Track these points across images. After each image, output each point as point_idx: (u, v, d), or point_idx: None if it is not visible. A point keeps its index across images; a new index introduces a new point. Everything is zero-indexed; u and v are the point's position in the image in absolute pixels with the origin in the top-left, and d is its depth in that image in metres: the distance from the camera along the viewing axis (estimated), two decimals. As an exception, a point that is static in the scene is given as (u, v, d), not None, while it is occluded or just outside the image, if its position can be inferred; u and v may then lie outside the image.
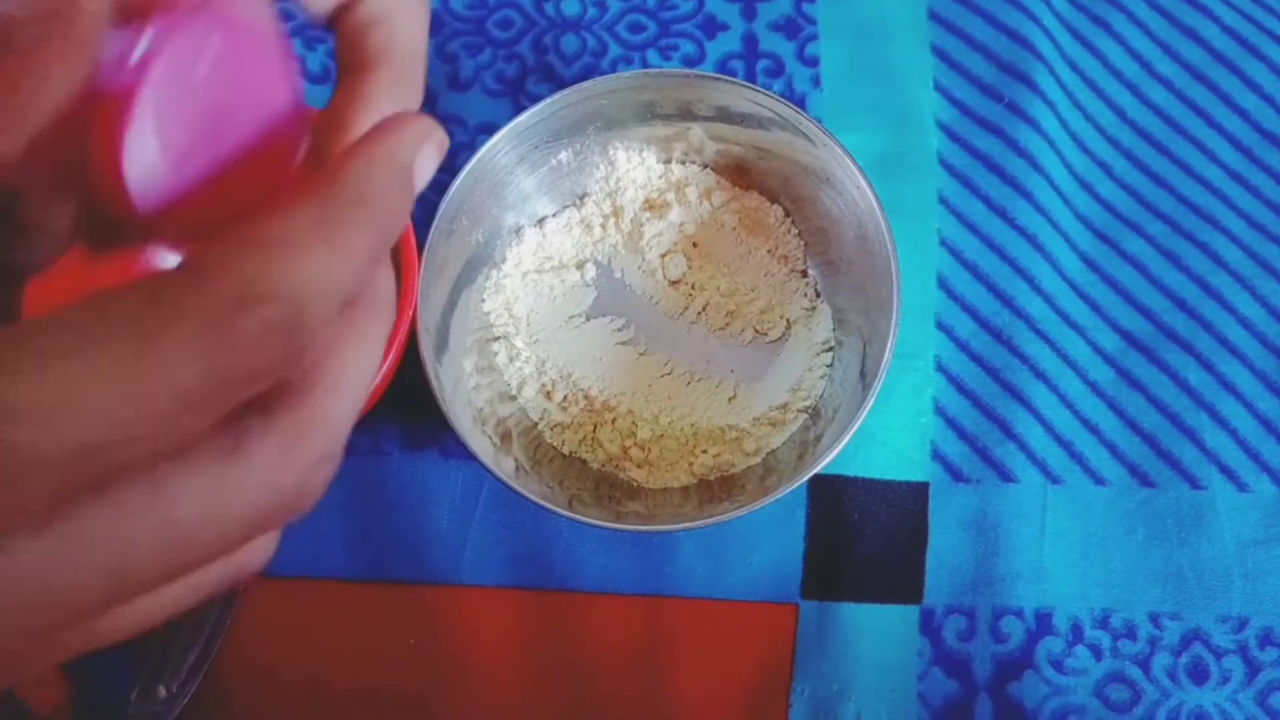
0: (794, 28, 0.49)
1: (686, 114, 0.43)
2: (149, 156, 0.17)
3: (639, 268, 0.45)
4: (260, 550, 0.19)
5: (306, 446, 0.17)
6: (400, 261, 0.38)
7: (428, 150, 0.19)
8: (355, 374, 0.18)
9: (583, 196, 0.45)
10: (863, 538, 0.42)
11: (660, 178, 0.45)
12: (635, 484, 0.42)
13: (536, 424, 0.43)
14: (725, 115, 0.42)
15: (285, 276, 0.16)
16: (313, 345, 0.17)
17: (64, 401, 0.14)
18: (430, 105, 0.48)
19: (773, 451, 0.42)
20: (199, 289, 0.15)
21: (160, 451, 0.16)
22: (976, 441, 0.44)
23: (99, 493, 0.15)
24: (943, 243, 0.46)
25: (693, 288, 0.44)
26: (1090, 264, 0.46)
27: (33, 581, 0.15)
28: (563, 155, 0.43)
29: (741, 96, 0.41)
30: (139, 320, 0.15)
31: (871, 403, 0.37)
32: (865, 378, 0.39)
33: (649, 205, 0.45)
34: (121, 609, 0.17)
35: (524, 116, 0.40)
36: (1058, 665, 0.41)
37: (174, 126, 0.18)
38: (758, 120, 0.42)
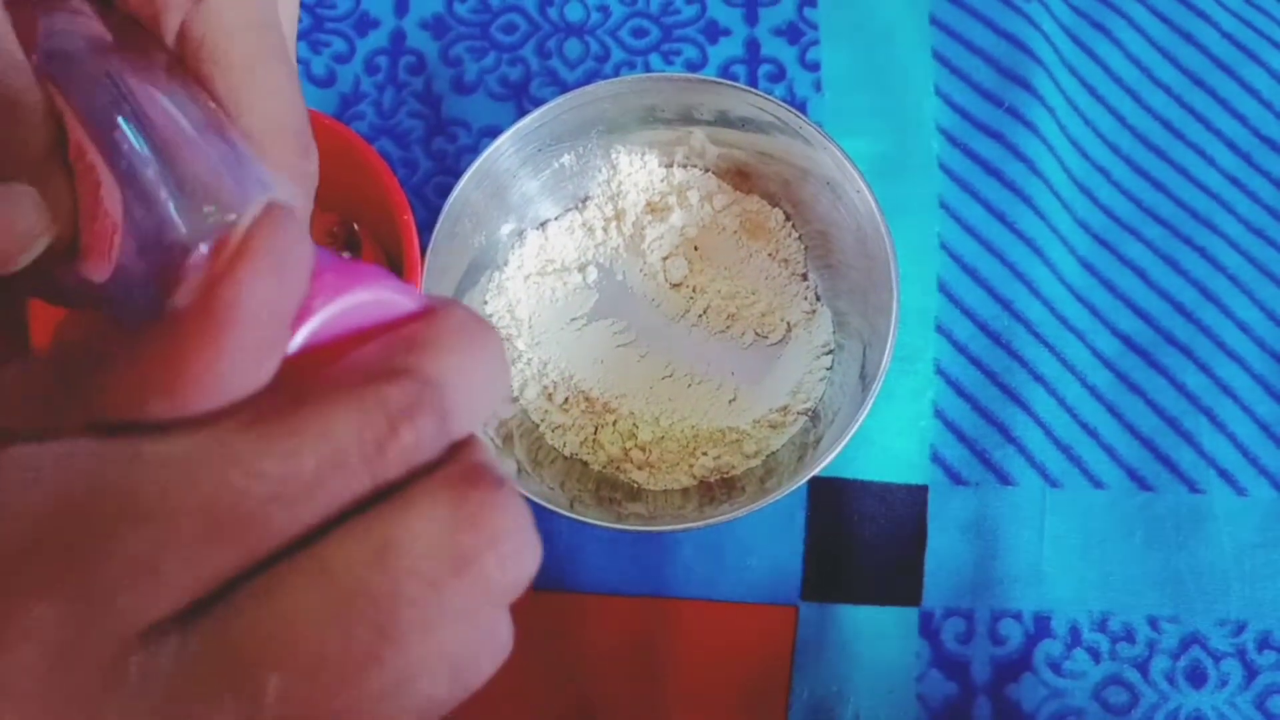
0: (796, 33, 0.49)
1: (688, 118, 0.43)
2: None
3: (640, 270, 0.45)
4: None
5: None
6: (403, 263, 0.38)
7: None
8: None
9: (585, 199, 0.46)
10: (862, 540, 0.43)
11: (662, 181, 0.45)
12: (636, 485, 0.42)
13: (538, 425, 0.43)
14: (726, 119, 0.42)
15: (434, 364, 0.16)
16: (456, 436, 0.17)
17: (207, 455, 0.14)
18: (435, 108, 0.48)
19: (773, 454, 0.42)
20: (352, 364, 0.16)
21: (314, 516, 0.15)
22: (976, 445, 0.44)
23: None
24: (943, 246, 0.46)
25: (694, 290, 0.45)
26: (1089, 268, 0.46)
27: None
28: (565, 158, 0.44)
29: (743, 101, 0.41)
30: (293, 386, 0.15)
31: (871, 405, 0.37)
32: (865, 380, 0.39)
33: (650, 208, 0.45)
34: None
35: (527, 120, 0.40)
36: (1056, 668, 0.42)
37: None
38: (759, 124, 0.42)
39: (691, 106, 0.42)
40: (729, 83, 0.41)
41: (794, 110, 0.40)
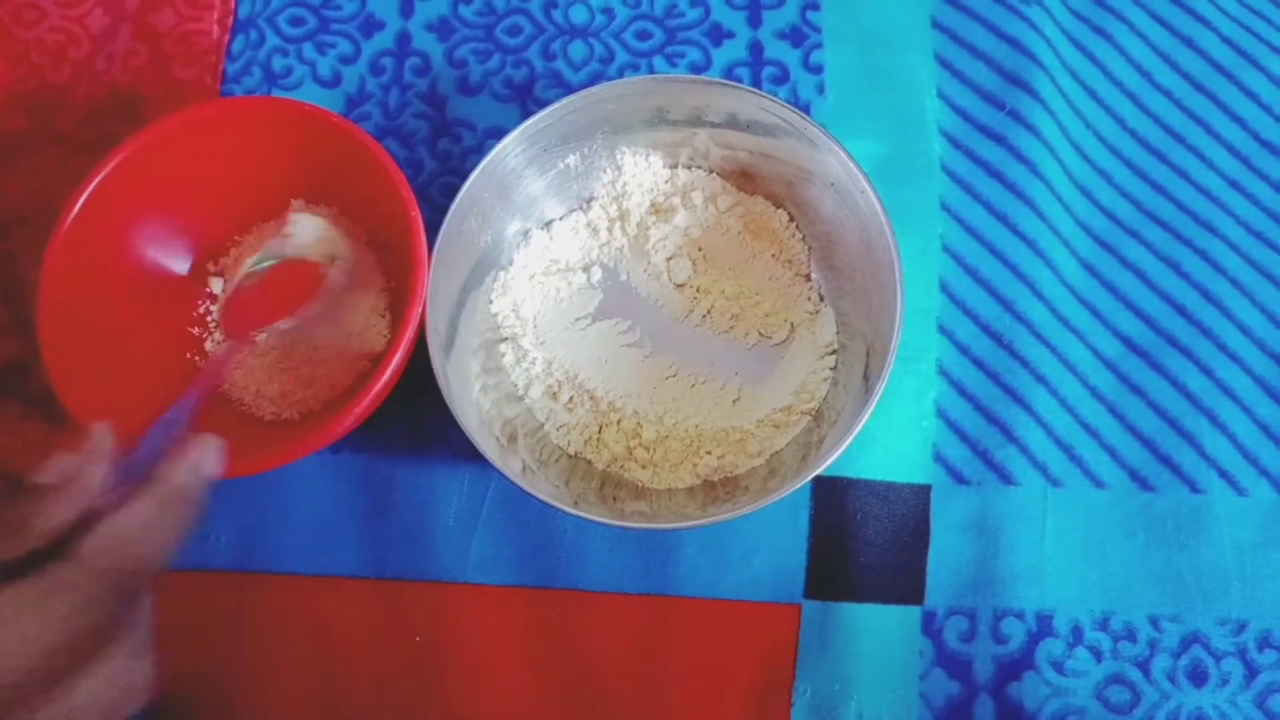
0: (799, 36, 0.50)
1: (695, 120, 0.43)
2: None
3: (645, 271, 0.45)
4: None
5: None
6: (411, 259, 0.38)
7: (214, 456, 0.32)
8: None
9: (590, 200, 0.46)
10: (865, 539, 0.43)
11: (666, 182, 0.46)
12: (640, 484, 0.43)
13: (543, 424, 0.43)
14: (735, 121, 0.43)
15: (139, 552, 0.28)
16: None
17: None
18: (440, 110, 0.48)
19: (776, 453, 0.43)
20: (79, 567, 0.27)
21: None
22: (978, 444, 0.44)
23: None
24: (945, 248, 0.47)
25: (698, 291, 0.45)
26: (1090, 270, 0.47)
27: None
28: (571, 159, 0.44)
29: (750, 103, 0.41)
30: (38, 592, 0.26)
31: (874, 405, 0.37)
32: (868, 381, 0.39)
33: (655, 209, 0.46)
34: None
35: (534, 120, 0.41)
36: (1058, 667, 0.42)
37: None
38: (764, 126, 0.42)
39: (699, 108, 0.42)
40: (735, 84, 0.41)
41: (800, 112, 0.40)
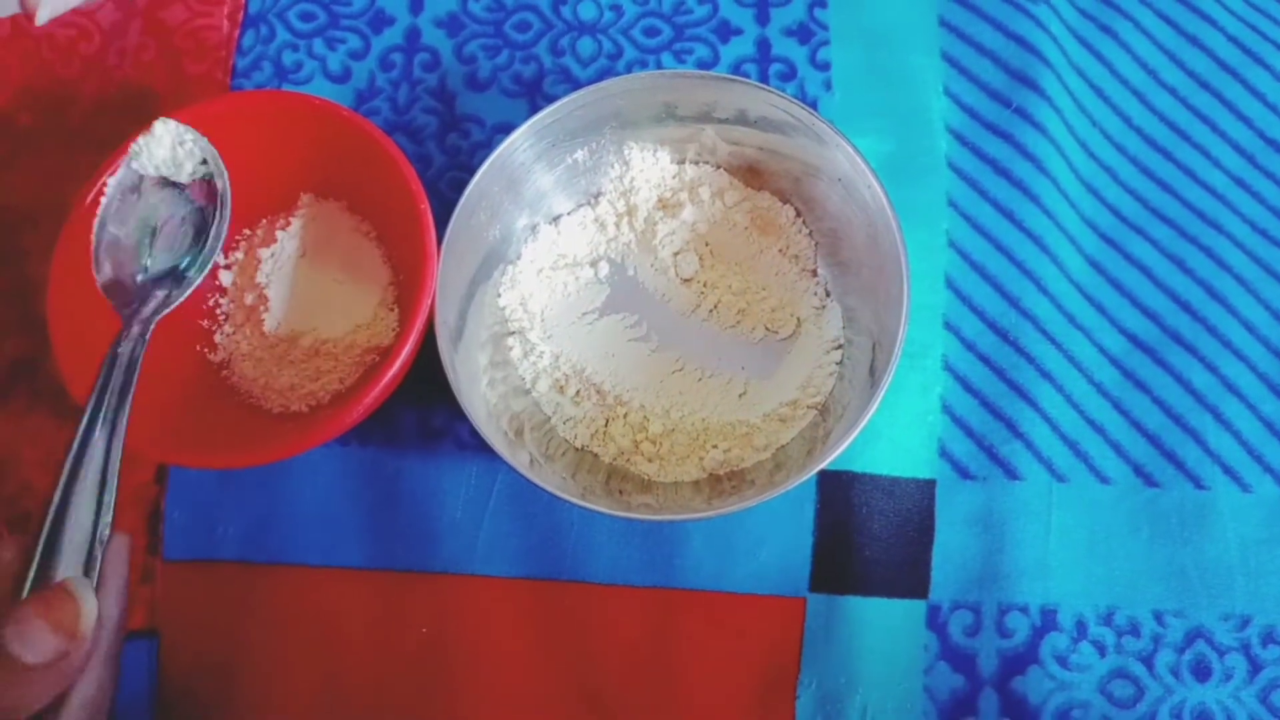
0: (806, 33, 0.50)
1: (704, 115, 0.43)
2: None
3: (652, 266, 0.46)
4: None
5: None
6: (420, 253, 0.39)
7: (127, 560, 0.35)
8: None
9: (597, 195, 0.46)
10: (870, 533, 0.43)
11: (674, 177, 0.46)
12: (646, 478, 0.43)
13: (550, 418, 0.44)
14: (742, 117, 0.43)
15: (103, 707, 0.32)
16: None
17: None
18: (449, 105, 0.49)
19: (782, 447, 0.43)
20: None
21: None
22: (983, 440, 0.44)
23: None
24: (951, 244, 0.47)
25: (704, 286, 0.45)
26: (1096, 266, 0.47)
27: None
28: (579, 154, 0.44)
29: (759, 99, 0.42)
30: None
31: (879, 400, 0.38)
32: (874, 376, 0.40)
33: (662, 204, 0.46)
34: None
35: (543, 114, 0.41)
36: (1062, 661, 0.42)
37: None
38: (772, 122, 0.42)
39: (707, 104, 0.43)
40: (744, 80, 0.41)
41: (808, 108, 0.41)
